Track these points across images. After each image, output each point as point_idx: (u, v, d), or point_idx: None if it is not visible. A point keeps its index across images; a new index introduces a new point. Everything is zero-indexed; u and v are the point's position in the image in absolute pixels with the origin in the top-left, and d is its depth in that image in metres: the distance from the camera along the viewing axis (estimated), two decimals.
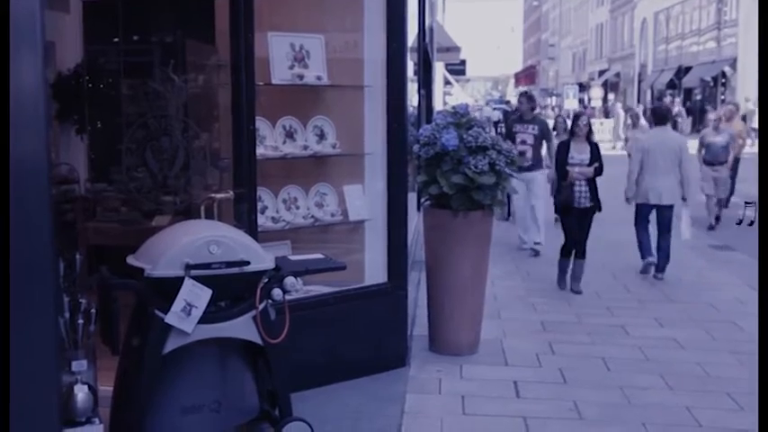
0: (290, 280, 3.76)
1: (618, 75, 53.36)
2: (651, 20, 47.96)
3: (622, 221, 9.15)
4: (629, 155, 10.18)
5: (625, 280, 8.34)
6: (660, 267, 8.35)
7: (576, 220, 7.70)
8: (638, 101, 47.20)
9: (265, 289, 3.71)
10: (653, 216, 8.40)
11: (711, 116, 13.28)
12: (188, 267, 3.48)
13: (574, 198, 7.61)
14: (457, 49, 21.16)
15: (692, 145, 9.40)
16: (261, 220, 4.85)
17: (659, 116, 8.99)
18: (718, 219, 11.90)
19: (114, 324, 3.58)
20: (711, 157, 11.69)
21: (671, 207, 8.21)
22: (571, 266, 7.86)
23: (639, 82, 49.05)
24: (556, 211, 8.49)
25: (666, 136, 8.43)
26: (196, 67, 5.67)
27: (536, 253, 9.60)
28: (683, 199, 8.23)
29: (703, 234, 7.99)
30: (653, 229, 8.42)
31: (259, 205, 4.84)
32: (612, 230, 9.64)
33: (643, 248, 8.47)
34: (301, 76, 5.14)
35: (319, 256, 4.33)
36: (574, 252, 7.81)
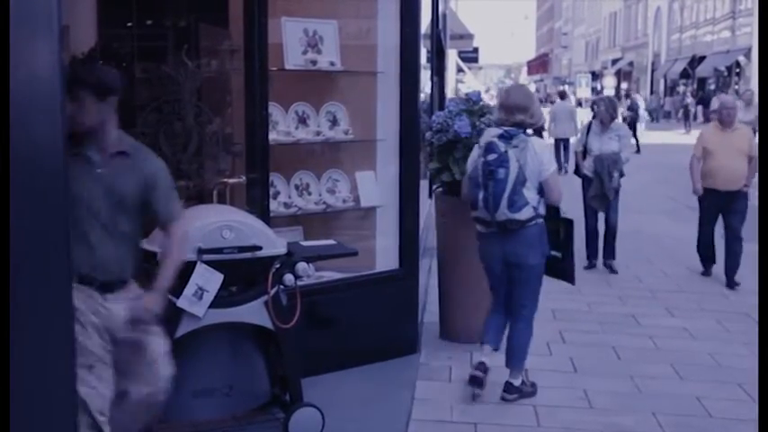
0: (301, 265, 3.78)
1: (631, 64, 53.03)
2: (665, 8, 47.64)
3: (637, 211, 9.09)
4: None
5: (637, 270, 8.30)
6: None
7: None
8: (651, 90, 46.93)
9: (277, 274, 3.72)
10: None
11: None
12: (200, 252, 3.50)
13: None
14: (470, 37, 21.09)
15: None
16: (273, 205, 4.85)
17: (561, 94, 19.17)
18: None
19: None
20: None
21: (568, 140, 16.28)
22: None
23: (653, 71, 48.73)
24: None
25: (565, 104, 18.09)
26: (210, 52, 5.66)
27: None
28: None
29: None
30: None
31: (271, 190, 4.84)
32: (630, 219, 9.61)
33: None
34: (314, 62, 5.13)
35: (331, 241, 4.35)
36: None
